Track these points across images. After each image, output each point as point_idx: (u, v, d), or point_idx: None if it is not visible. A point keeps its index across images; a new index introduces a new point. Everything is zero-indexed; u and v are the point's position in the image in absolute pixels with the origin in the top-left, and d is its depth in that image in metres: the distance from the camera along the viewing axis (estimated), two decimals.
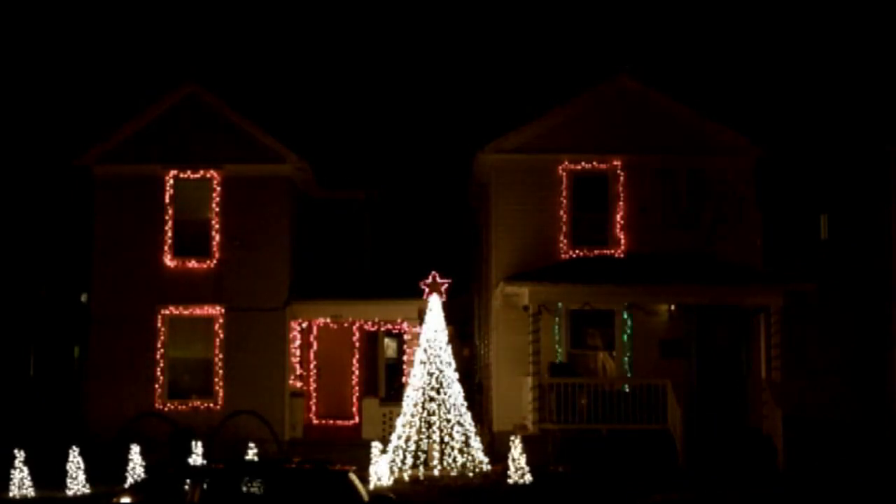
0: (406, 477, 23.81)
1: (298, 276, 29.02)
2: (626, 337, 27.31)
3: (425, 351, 24.75)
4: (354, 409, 29.67)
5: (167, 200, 28.24)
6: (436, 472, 23.92)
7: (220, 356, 28.00)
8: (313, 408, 29.87)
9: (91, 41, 42.58)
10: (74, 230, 32.21)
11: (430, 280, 25.21)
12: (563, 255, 27.52)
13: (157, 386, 27.89)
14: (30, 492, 22.90)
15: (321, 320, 28.91)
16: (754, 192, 27.89)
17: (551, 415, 25.45)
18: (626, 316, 27.20)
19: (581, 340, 27.84)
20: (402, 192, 35.35)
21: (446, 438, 24.19)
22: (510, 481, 23.29)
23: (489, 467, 24.39)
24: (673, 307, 27.32)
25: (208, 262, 28.21)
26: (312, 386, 29.89)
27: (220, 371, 27.97)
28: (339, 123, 37.41)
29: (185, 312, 28.21)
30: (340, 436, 28.63)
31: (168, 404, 27.79)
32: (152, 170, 28.26)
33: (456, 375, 24.85)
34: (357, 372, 30.30)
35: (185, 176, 28.34)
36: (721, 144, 27.77)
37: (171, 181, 28.31)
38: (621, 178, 27.79)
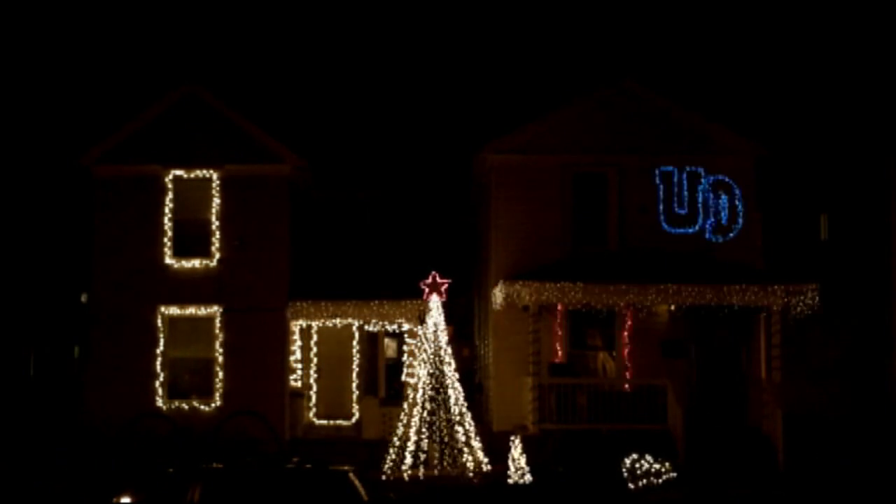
0: (406, 477, 23.81)
1: (298, 276, 29.01)
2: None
3: (425, 351, 24.76)
4: (354, 409, 29.65)
5: (167, 200, 28.25)
6: (436, 472, 23.92)
7: (220, 356, 28.01)
8: (313, 408, 29.86)
9: (91, 41, 42.59)
10: (74, 230, 32.21)
11: (430, 280, 25.22)
12: (562, 255, 27.51)
13: (157, 386, 27.90)
14: (30, 492, 22.92)
15: (321, 320, 28.89)
16: (754, 192, 27.90)
17: (551, 415, 25.46)
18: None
19: (581, 340, 27.85)
20: (402, 192, 35.33)
21: (446, 438, 24.19)
22: (510, 481, 23.30)
23: (489, 467, 24.39)
24: (673, 307, 27.32)
25: (208, 262, 28.21)
26: (312, 386, 29.88)
27: (220, 371, 27.97)
28: (339, 123, 37.40)
29: (185, 312, 28.21)
30: (340, 436, 28.61)
31: (168, 404, 27.79)
32: (152, 170, 28.27)
33: (456, 375, 24.86)
34: (357, 372, 30.28)
35: (185, 176, 28.34)
36: (721, 144, 27.79)
37: (171, 181, 28.31)
38: (621, 178, 27.79)
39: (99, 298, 28.27)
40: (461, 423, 24.36)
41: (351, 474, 16.85)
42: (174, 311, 28.16)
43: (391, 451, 24.34)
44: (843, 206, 30.48)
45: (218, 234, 28.24)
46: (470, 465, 24.04)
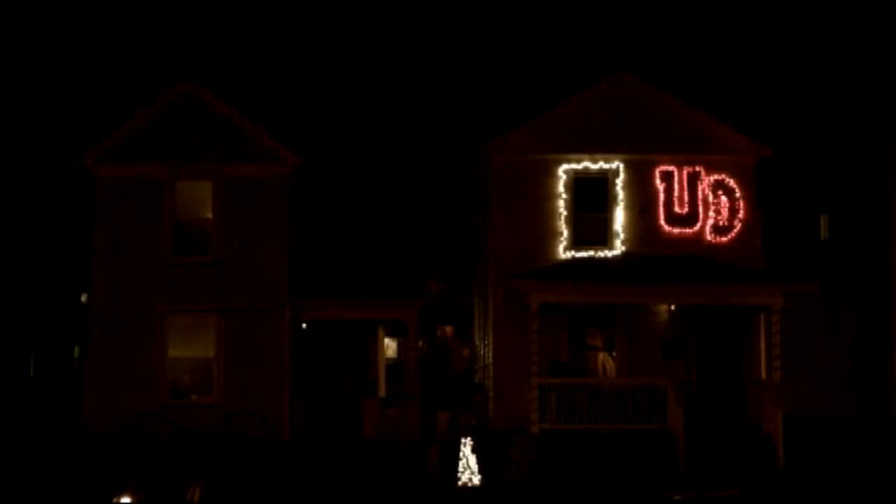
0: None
1: (298, 275, 28.98)
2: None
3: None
4: (354, 408, 29.60)
5: (167, 200, 28.24)
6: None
7: (220, 356, 27.99)
8: (313, 408, 29.80)
9: (90, 41, 42.57)
10: (74, 230, 32.19)
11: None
12: (562, 255, 27.53)
13: (157, 386, 27.87)
14: (30, 492, 22.92)
15: (321, 319, 28.86)
16: (754, 192, 27.90)
17: (551, 415, 25.45)
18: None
19: (581, 340, 27.85)
20: (403, 192, 35.36)
21: None
22: (510, 481, 23.29)
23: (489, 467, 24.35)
24: (673, 307, 27.32)
25: (208, 261, 28.19)
26: (313, 386, 29.82)
27: (220, 371, 27.96)
28: (340, 123, 37.40)
29: (185, 312, 28.18)
30: (340, 436, 28.56)
31: (168, 404, 27.74)
32: (152, 170, 28.26)
33: None
34: (357, 372, 30.24)
35: (185, 176, 28.33)
36: (721, 144, 27.78)
37: (171, 181, 28.30)
38: (621, 178, 27.79)
39: (99, 298, 28.26)
40: None
41: None
42: (174, 310, 28.13)
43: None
44: (843, 206, 30.48)
45: (218, 234, 28.23)
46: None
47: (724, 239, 27.59)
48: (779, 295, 25.57)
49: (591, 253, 27.57)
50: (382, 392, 30.49)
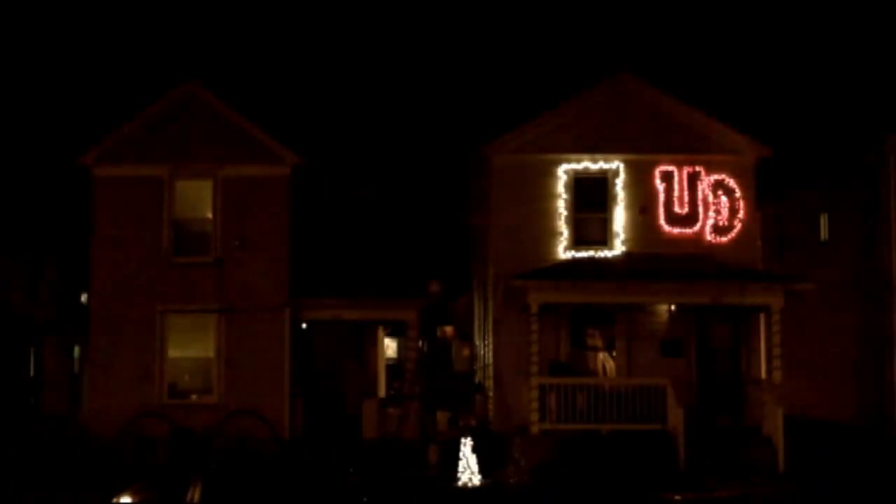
0: None
1: (298, 275, 29.00)
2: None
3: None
4: (354, 408, 29.62)
5: (167, 200, 28.26)
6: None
7: (220, 356, 28.00)
8: (313, 408, 29.81)
9: (91, 41, 42.62)
10: (74, 230, 32.23)
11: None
12: (562, 255, 27.52)
13: (156, 386, 27.88)
14: (30, 492, 22.92)
15: (321, 319, 28.88)
16: (754, 192, 27.90)
17: (551, 415, 25.45)
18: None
19: (581, 340, 27.86)
20: (403, 192, 35.42)
21: None
22: (510, 481, 23.29)
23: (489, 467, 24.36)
24: (673, 307, 27.33)
25: (208, 261, 28.20)
26: (313, 386, 29.83)
27: (220, 371, 27.97)
28: (340, 123, 37.47)
29: (185, 312, 28.19)
30: (341, 436, 28.60)
31: (168, 404, 27.76)
32: (152, 169, 28.27)
33: None
34: (357, 372, 30.23)
35: (185, 175, 28.35)
36: (721, 144, 27.78)
37: (171, 181, 28.32)
38: (621, 178, 27.80)
39: (99, 299, 28.27)
40: None
41: None
42: (174, 310, 28.15)
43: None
44: (843, 206, 30.49)
45: (218, 234, 28.24)
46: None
47: (723, 239, 27.59)
48: (779, 295, 25.57)
49: (591, 253, 27.57)
50: (382, 392, 30.48)
